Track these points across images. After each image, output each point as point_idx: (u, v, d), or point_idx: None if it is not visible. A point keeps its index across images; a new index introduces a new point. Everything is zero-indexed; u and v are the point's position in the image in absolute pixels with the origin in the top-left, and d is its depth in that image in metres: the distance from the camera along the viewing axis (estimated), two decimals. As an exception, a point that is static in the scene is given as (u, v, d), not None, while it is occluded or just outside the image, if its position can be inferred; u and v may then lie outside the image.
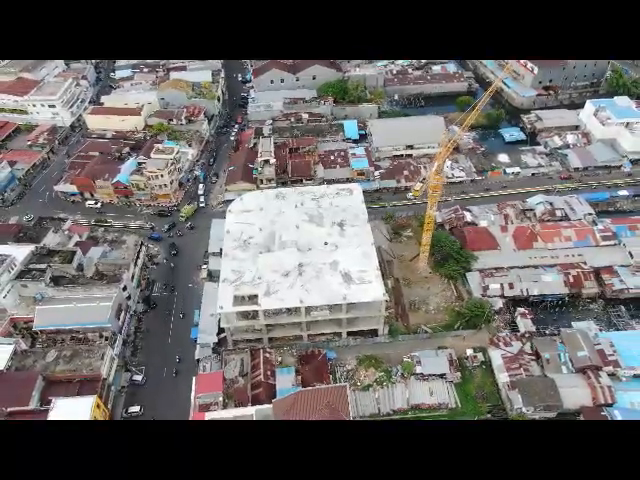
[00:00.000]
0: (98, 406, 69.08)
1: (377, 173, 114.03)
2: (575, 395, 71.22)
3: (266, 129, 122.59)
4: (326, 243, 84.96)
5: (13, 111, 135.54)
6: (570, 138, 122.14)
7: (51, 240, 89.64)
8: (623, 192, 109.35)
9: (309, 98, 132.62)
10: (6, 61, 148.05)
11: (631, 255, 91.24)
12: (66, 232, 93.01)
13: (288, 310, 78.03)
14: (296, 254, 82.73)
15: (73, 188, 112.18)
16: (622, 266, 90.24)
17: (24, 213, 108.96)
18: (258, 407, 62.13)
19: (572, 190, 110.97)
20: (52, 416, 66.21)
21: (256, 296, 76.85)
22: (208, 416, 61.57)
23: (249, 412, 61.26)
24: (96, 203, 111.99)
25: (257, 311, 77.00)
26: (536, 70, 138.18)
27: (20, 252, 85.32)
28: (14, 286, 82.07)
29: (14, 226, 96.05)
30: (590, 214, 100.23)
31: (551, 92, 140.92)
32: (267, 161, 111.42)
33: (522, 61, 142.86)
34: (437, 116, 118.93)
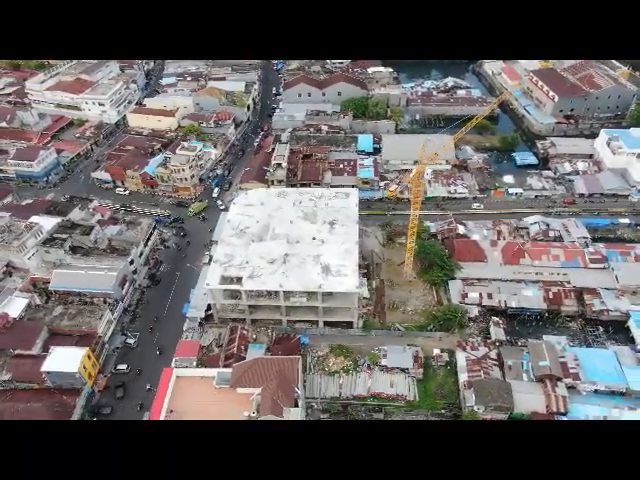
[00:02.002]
0: (89, 357, 78.16)
1: (382, 183, 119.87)
2: (529, 401, 73.11)
3: (284, 136, 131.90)
4: (314, 238, 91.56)
5: (69, 107, 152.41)
6: (580, 165, 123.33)
7: (76, 215, 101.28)
8: (625, 220, 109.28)
9: (331, 111, 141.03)
10: (70, 64, 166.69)
11: (617, 279, 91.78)
12: (91, 210, 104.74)
13: (268, 293, 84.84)
14: (284, 245, 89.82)
15: (107, 176, 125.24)
16: (606, 289, 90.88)
17: (62, 194, 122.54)
18: (219, 369, 68.72)
19: (573, 214, 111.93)
20: (49, 360, 75.87)
21: (241, 278, 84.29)
22: (176, 372, 68.79)
23: (212, 373, 67.85)
24: (125, 190, 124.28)
25: (241, 291, 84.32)
26: (557, 99, 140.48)
27: (48, 223, 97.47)
28: (39, 250, 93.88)
29: (47, 202, 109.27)
30: (585, 238, 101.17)
31: (571, 121, 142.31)
32: (279, 164, 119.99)
33: (544, 89, 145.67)
34: (447, 135, 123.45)
